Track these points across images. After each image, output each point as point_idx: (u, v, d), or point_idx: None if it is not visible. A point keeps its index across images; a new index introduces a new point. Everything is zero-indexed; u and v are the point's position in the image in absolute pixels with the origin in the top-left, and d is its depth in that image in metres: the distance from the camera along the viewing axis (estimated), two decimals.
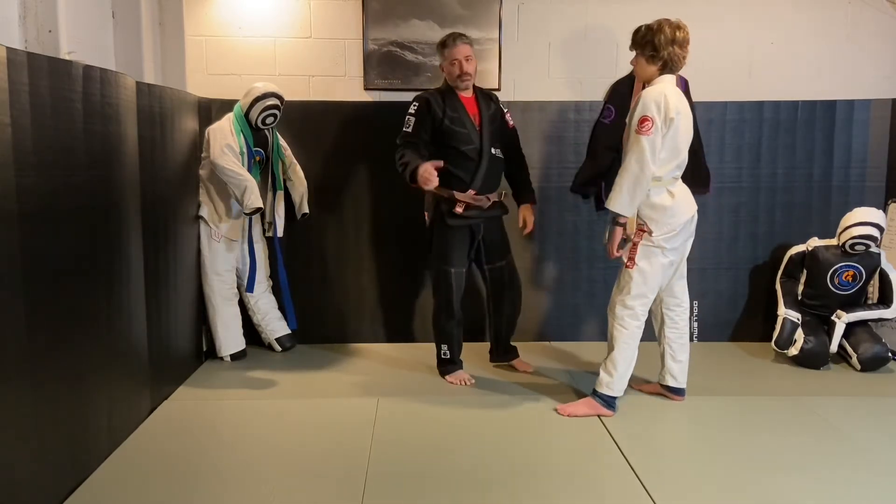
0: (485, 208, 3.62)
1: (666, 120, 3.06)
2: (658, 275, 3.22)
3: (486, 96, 3.72)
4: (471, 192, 3.57)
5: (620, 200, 3.11)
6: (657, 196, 3.15)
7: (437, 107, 3.54)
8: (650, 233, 3.16)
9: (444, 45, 3.58)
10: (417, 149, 3.52)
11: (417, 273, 4.44)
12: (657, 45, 3.11)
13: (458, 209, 3.55)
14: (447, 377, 3.75)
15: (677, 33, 3.12)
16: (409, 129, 3.54)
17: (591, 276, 4.46)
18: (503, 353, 3.97)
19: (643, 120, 3.04)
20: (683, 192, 3.26)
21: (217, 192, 3.96)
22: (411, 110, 3.55)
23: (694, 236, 3.38)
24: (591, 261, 4.45)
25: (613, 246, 3.20)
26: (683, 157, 3.21)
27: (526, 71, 4.45)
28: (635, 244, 3.19)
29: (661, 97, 3.06)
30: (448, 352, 3.77)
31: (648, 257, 3.19)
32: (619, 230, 3.19)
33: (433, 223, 3.70)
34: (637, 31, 3.21)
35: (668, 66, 3.15)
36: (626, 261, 3.21)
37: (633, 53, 3.27)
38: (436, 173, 3.41)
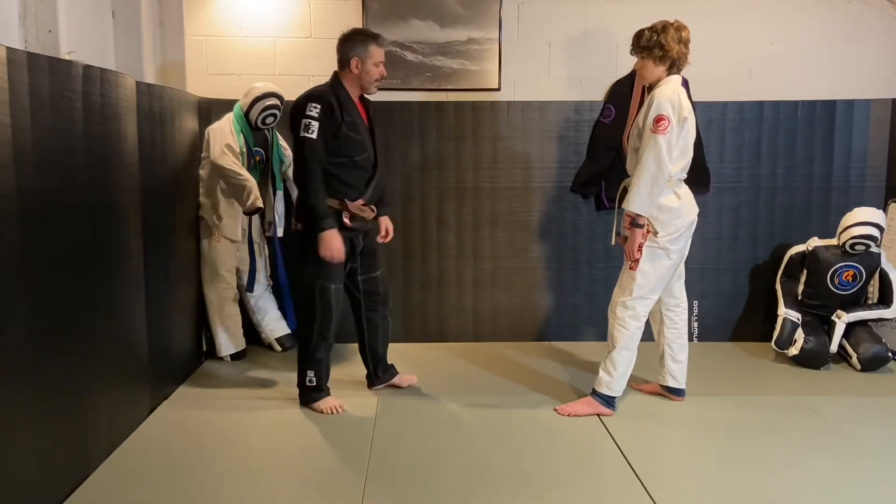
0: (368, 220, 3.34)
1: (680, 119, 3.08)
2: (661, 277, 3.22)
3: (365, 98, 3.37)
4: (360, 201, 3.26)
5: (640, 200, 3.08)
6: (664, 197, 3.15)
7: (336, 110, 3.15)
8: (655, 233, 3.16)
9: (373, 39, 3.22)
10: (321, 165, 3.16)
11: (416, 272, 4.44)
12: (665, 46, 3.11)
13: (346, 220, 3.23)
14: (315, 405, 3.34)
15: (682, 33, 3.14)
16: (314, 136, 3.10)
17: (591, 276, 4.46)
18: (383, 373, 3.63)
19: (659, 119, 3.04)
20: (688, 195, 3.27)
21: (217, 192, 3.96)
22: (312, 112, 3.11)
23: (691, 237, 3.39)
24: (591, 261, 4.45)
25: (634, 248, 3.15)
26: (690, 159, 3.21)
27: (526, 71, 4.45)
28: (640, 246, 3.18)
29: (676, 97, 3.08)
30: (315, 379, 3.35)
31: (652, 259, 3.18)
32: (638, 232, 3.13)
33: (309, 234, 3.21)
34: (640, 35, 3.19)
35: (675, 66, 3.16)
36: (629, 262, 3.21)
37: (636, 58, 3.25)
38: (343, 252, 3.20)
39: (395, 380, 3.65)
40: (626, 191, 3.23)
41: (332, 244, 3.16)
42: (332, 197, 3.22)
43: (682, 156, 3.16)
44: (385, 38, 3.31)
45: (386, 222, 3.51)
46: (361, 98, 3.33)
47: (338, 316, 3.36)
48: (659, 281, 3.23)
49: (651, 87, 3.23)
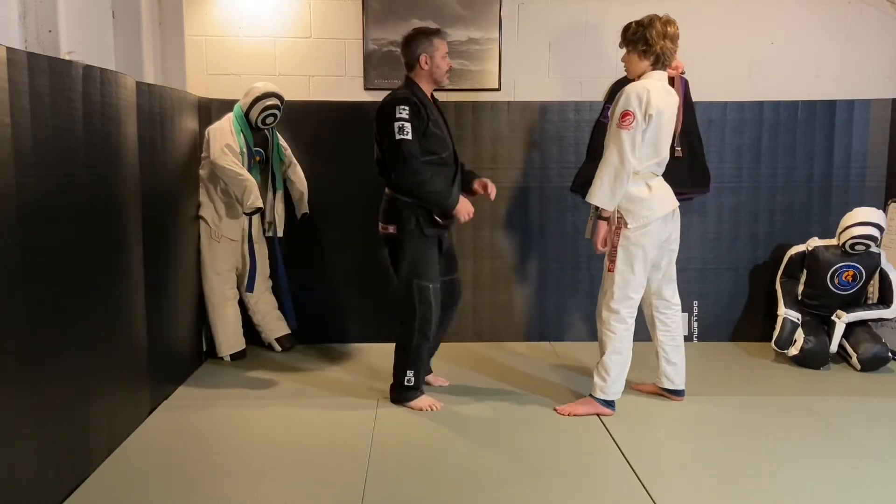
0: (455, 217, 3.34)
1: (645, 115, 3.06)
2: (640, 276, 3.22)
3: (434, 97, 3.43)
4: None
5: (601, 193, 3.12)
6: (634, 188, 3.16)
7: (421, 109, 3.22)
8: (626, 225, 3.15)
9: (435, 34, 3.30)
10: (424, 164, 3.21)
11: None
12: (649, 40, 3.10)
13: (438, 218, 3.28)
14: (411, 404, 3.35)
15: (668, 28, 3.12)
16: (409, 136, 3.15)
17: (592, 276, 4.45)
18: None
19: (624, 114, 3.05)
20: (662, 188, 3.24)
21: (217, 192, 3.96)
22: (402, 114, 3.15)
23: (679, 241, 3.37)
24: (591, 261, 4.44)
25: (599, 240, 3.21)
26: (664, 156, 3.21)
27: (526, 71, 4.45)
28: (615, 247, 3.18)
29: (644, 92, 3.07)
30: (413, 379, 3.34)
31: (628, 259, 3.17)
32: (603, 224, 3.19)
33: (402, 235, 3.30)
34: (627, 28, 3.19)
35: (660, 61, 3.14)
36: (607, 264, 3.22)
37: (624, 51, 3.26)
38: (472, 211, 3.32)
39: (429, 377, 3.68)
40: None
41: (466, 207, 3.29)
42: None
43: (653, 154, 3.15)
44: (445, 31, 3.42)
45: (481, 182, 3.46)
46: (433, 97, 3.40)
47: (438, 314, 3.36)
48: (639, 281, 3.22)
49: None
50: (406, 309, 3.32)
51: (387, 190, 3.37)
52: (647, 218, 3.16)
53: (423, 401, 3.36)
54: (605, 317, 3.24)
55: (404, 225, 3.28)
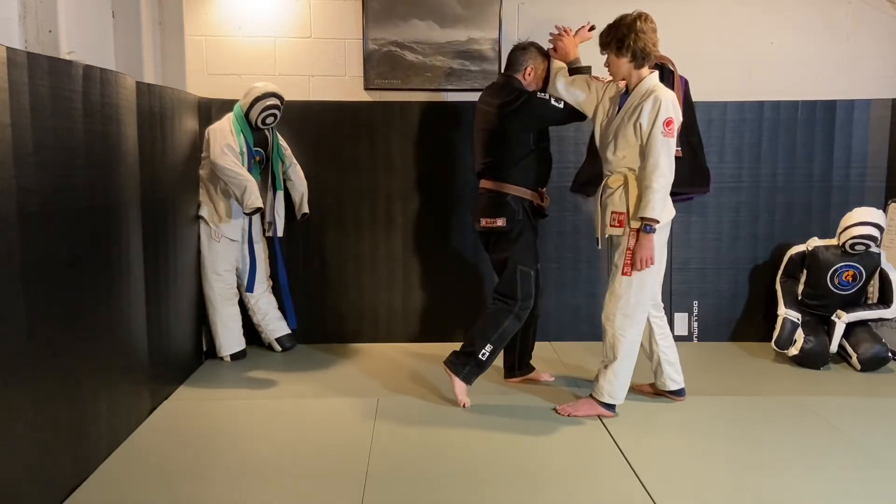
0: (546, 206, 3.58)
1: (678, 120, 3.08)
2: (655, 277, 3.21)
3: None
4: (542, 189, 3.55)
5: (658, 205, 3.03)
6: None
7: None
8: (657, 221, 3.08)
9: (546, 55, 3.50)
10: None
11: (416, 272, 4.44)
12: (621, 37, 3.09)
13: (542, 205, 3.54)
14: (458, 386, 3.38)
15: (638, 22, 3.08)
16: (560, 103, 3.38)
17: (591, 276, 4.46)
18: (525, 367, 3.76)
19: (668, 122, 3.02)
20: None
21: (217, 192, 3.96)
22: (544, 95, 3.40)
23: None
24: (591, 261, 4.45)
25: (651, 254, 3.06)
26: None
27: None
28: (629, 250, 3.11)
29: (675, 98, 3.09)
30: (488, 356, 3.35)
31: None
32: (650, 238, 3.05)
33: (511, 226, 3.41)
34: (601, 33, 3.19)
35: (638, 57, 3.09)
36: (622, 268, 3.13)
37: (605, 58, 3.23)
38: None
39: (532, 375, 3.76)
40: (606, 188, 3.20)
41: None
42: (530, 188, 3.45)
43: None
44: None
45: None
46: None
47: (534, 299, 3.49)
48: (654, 283, 3.22)
49: (628, 88, 3.18)
50: (509, 291, 3.43)
51: (489, 185, 3.47)
52: (664, 218, 3.14)
53: (464, 391, 3.40)
54: (619, 323, 3.18)
55: (514, 216, 3.40)
